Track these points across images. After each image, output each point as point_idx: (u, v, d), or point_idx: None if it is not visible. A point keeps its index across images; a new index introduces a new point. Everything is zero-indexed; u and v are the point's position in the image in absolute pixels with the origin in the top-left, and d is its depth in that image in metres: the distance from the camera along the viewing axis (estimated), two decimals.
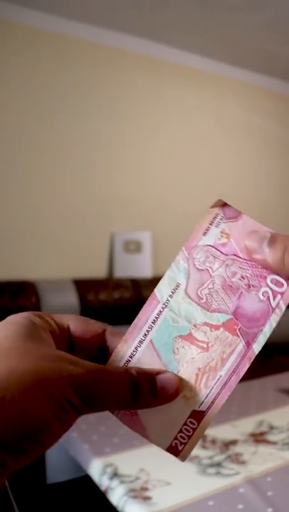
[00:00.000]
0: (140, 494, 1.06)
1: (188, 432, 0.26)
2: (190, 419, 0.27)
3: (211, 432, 1.40)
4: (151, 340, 0.28)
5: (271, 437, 1.36)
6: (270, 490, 1.07)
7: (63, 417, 0.22)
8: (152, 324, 0.28)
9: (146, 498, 1.04)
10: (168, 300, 0.28)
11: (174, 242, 2.66)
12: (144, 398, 0.25)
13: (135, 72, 2.53)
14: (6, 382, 0.21)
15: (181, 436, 0.26)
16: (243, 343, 0.27)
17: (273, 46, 2.55)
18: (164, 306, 0.28)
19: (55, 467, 1.51)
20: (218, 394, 0.27)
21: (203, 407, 0.27)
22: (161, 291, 0.28)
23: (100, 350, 0.29)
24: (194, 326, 0.27)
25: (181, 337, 0.28)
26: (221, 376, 0.27)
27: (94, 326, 0.28)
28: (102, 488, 1.15)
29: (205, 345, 0.27)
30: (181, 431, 0.26)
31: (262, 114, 3.07)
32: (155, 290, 0.28)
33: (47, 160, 2.26)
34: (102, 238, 2.40)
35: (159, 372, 0.27)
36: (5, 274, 2.11)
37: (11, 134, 2.17)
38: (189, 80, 2.73)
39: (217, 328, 0.27)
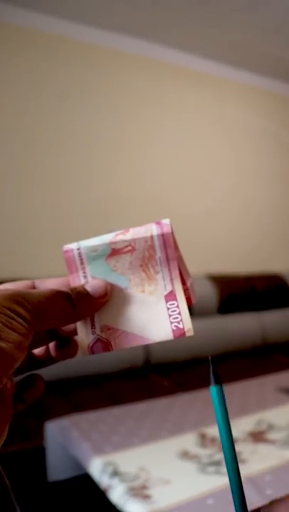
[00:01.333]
0: (140, 492, 1.06)
1: (175, 310, 0.29)
2: (168, 303, 0.29)
3: (211, 431, 1.40)
4: (92, 277, 0.30)
5: (270, 436, 1.37)
6: (269, 488, 1.08)
7: (10, 323, 0.24)
8: (82, 265, 0.31)
9: (146, 497, 1.05)
10: (78, 243, 0.31)
11: None
12: (81, 304, 0.28)
13: (135, 74, 2.53)
14: None
15: (174, 318, 0.29)
16: (153, 223, 0.30)
17: (273, 48, 2.56)
18: (78, 248, 0.31)
19: (56, 465, 1.52)
20: (169, 269, 0.29)
21: (168, 288, 0.29)
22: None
23: None
24: (110, 242, 0.30)
25: (108, 256, 0.30)
26: (159, 257, 0.30)
27: (22, 282, 0.31)
28: (102, 486, 1.15)
29: (130, 247, 0.30)
30: (170, 315, 0.29)
31: (262, 115, 3.07)
32: (64, 247, 0.32)
33: (47, 160, 2.27)
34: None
35: (83, 284, 0.30)
36: (5, 274, 2.12)
37: (11, 135, 2.18)
38: (189, 82, 2.73)
39: (126, 230, 0.30)
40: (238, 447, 1.30)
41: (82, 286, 0.30)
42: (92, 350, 0.30)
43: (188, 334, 0.29)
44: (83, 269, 0.31)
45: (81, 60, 2.36)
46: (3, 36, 2.15)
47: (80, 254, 0.31)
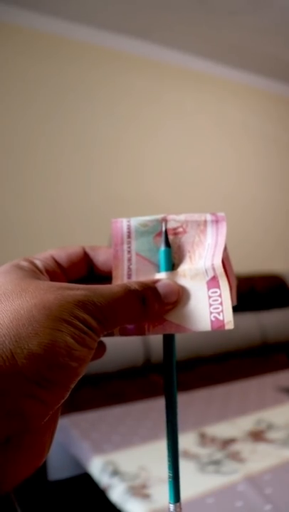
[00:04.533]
0: (140, 492, 1.07)
1: (217, 300, 0.27)
2: (210, 290, 0.27)
3: (210, 431, 1.41)
4: (136, 254, 0.29)
5: (270, 435, 1.37)
6: (269, 488, 1.09)
7: (83, 339, 0.22)
8: (128, 239, 0.29)
9: (146, 496, 1.05)
10: (128, 218, 0.30)
11: None
12: (153, 308, 0.26)
13: (134, 74, 2.53)
14: (18, 319, 0.21)
15: (214, 308, 0.27)
16: (208, 213, 0.29)
17: (273, 48, 2.56)
18: (128, 221, 0.29)
19: (56, 464, 1.52)
20: (213, 255, 0.28)
21: (210, 274, 0.27)
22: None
23: (89, 269, 0.30)
24: (162, 220, 0.29)
25: (157, 235, 0.29)
26: (208, 244, 0.28)
27: (72, 248, 0.30)
28: (102, 485, 1.16)
29: (181, 229, 0.29)
30: (210, 305, 0.27)
31: (261, 115, 3.07)
32: (112, 219, 0.30)
33: (46, 160, 2.27)
34: (102, 238, 2.41)
35: (155, 282, 0.27)
36: None
37: (11, 135, 2.18)
38: (189, 82, 2.74)
39: (179, 213, 0.29)
40: (237, 447, 1.30)
41: (155, 286, 0.27)
42: (122, 331, 0.27)
43: (227, 327, 0.26)
44: (129, 243, 0.29)
45: (80, 60, 2.36)
46: (3, 36, 2.15)
47: (128, 227, 0.29)
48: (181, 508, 0.27)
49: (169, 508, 0.27)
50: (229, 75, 2.87)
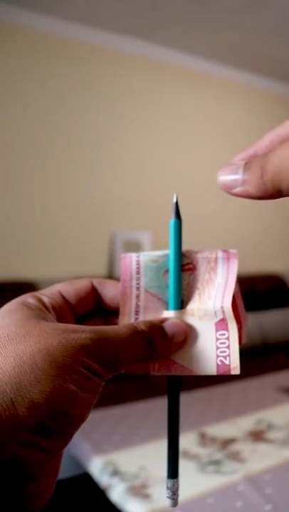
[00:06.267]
0: (140, 492, 1.07)
1: (224, 343, 0.26)
2: (218, 332, 0.26)
3: (210, 430, 1.41)
4: (145, 290, 0.28)
5: (270, 435, 1.37)
6: (269, 487, 1.09)
7: (86, 385, 0.22)
8: (138, 275, 0.28)
9: (146, 496, 1.05)
10: (138, 253, 0.29)
11: None
12: (159, 348, 0.26)
13: (134, 74, 2.53)
14: (20, 366, 0.21)
15: (221, 352, 0.26)
16: (220, 250, 0.28)
17: (272, 48, 2.56)
18: (137, 256, 0.29)
19: None
20: (223, 296, 0.27)
21: (219, 315, 0.27)
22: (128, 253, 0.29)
23: (97, 304, 0.30)
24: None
25: (167, 271, 0.28)
26: (218, 283, 0.27)
27: (80, 283, 0.29)
28: (102, 485, 1.16)
29: (191, 266, 0.28)
30: (218, 347, 0.26)
31: (261, 116, 3.07)
32: (122, 254, 0.29)
33: (47, 160, 2.27)
34: (102, 238, 2.41)
35: (163, 321, 0.27)
36: (5, 274, 2.12)
37: (11, 136, 2.18)
38: (188, 82, 2.74)
39: (191, 249, 0.29)
40: (237, 447, 1.30)
41: (162, 326, 0.26)
42: (128, 369, 0.26)
43: (233, 372, 0.25)
44: (138, 279, 0.28)
45: (80, 60, 2.36)
46: (3, 36, 2.15)
47: (138, 263, 0.28)
48: (178, 484, 0.28)
49: (167, 483, 0.27)
50: (229, 75, 2.87)
